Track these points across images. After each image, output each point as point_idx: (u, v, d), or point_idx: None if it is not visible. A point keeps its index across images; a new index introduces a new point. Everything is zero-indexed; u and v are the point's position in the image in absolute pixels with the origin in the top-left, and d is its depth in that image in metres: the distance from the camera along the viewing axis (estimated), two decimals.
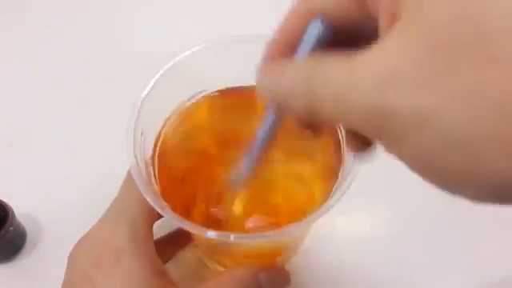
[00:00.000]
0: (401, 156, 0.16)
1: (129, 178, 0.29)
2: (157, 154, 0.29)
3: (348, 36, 0.18)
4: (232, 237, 0.23)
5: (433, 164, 0.15)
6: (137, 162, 0.25)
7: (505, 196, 0.14)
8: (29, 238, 0.40)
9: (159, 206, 0.24)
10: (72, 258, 0.27)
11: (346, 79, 0.16)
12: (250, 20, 0.40)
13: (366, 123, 0.16)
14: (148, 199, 0.24)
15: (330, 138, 0.28)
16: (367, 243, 0.38)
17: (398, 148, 0.15)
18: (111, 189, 0.29)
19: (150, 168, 0.28)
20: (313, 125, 0.20)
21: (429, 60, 0.14)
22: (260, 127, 0.21)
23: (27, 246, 0.39)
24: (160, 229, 0.32)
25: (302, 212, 0.24)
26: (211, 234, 0.23)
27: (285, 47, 0.20)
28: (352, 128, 0.16)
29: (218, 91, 0.31)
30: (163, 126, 0.30)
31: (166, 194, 0.27)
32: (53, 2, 0.58)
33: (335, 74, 0.16)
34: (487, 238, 0.38)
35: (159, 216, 0.30)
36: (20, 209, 0.39)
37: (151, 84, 0.28)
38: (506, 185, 0.14)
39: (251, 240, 0.24)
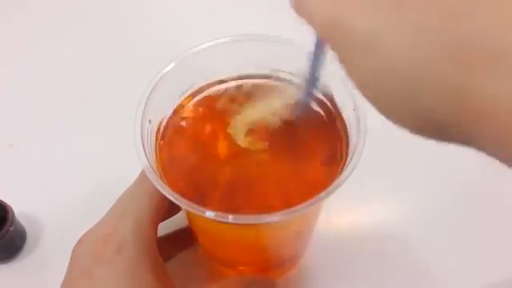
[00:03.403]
0: (348, 72, 0.17)
1: (140, 177, 0.29)
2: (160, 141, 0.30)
3: None
4: (230, 218, 0.23)
5: (373, 86, 0.16)
6: (145, 152, 0.26)
7: (425, 129, 0.16)
8: (29, 237, 0.40)
9: (164, 188, 0.24)
10: (74, 254, 0.28)
11: None
12: (256, 18, 0.40)
13: (327, 34, 0.17)
14: (153, 181, 0.24)
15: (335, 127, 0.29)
16: (368, 244, 0.39)
17: (346, 63, 0.17)
18: (111, 188, 0.29)
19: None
20: None
21: None
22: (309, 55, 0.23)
23: (27, 245, 0.39)
24: (164, 229, 0.32)
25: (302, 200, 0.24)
26: (210, 213, 0.23)
27: None
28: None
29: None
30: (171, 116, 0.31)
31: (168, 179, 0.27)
32: (54, 2, 0.58)
33: None
34: (488, 238, 0.38)
35: (165, 216, 0.30)
36: (20, 209, 0.39)
37: (160, 75, 0.29)
38: (426, 117, 0.15)
39: (249, 221, 0.24)
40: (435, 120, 0.15)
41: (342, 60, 0.17)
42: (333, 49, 0.18)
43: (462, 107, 0.14)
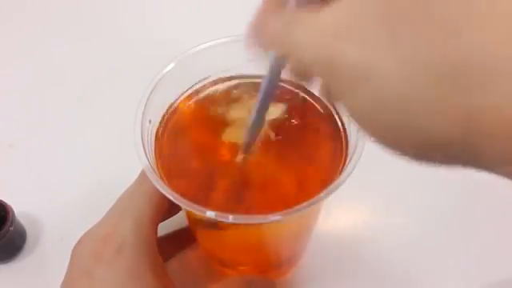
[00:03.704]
0: (345, 107, 0.17)
1: (140, 177, 0.29)
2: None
3: None
4: (230, 218, 0.23)
5: (368, 119, 0.17)
6: (145, 152, 0.26)
7: (428, 155, 0.16)
8: (29, 237, 0.40)
9: (166, 189, 0.24)
10: (74, 254, 0.28)
11: (311, 29, 0.17)
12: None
13: (321, 72, 0.17)
14: (154, 182, 0.24)
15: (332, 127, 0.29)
16: (368, 244, 0.39)
17: (342, 98, 0.17)
18: (111, 188, 0.29)
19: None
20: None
21: (374, 20, 0.15)
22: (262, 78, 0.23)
23: (27, 245, 0.39)
24: (164, 229, 0.32)
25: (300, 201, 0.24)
26: (210, 213, 0.23)
27: (275, 4, 0.21)
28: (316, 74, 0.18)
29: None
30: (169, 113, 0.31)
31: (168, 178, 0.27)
32: (54, 2, 0.58)
33: (304, 23, 0.18)
34: (488, 238, 0.38)
35: (165, 216, 0.30)
36: (20, 209, 0.39)
37: (160, 75, 0.29)
38: (429, 143, 0.15)
39: (249, 221, 0.24)
40: (437, 142, 0.15)
41: (336, 94, 0.17)
42: (325, 83, 0.18)
43: (463, 126, 0.14)
